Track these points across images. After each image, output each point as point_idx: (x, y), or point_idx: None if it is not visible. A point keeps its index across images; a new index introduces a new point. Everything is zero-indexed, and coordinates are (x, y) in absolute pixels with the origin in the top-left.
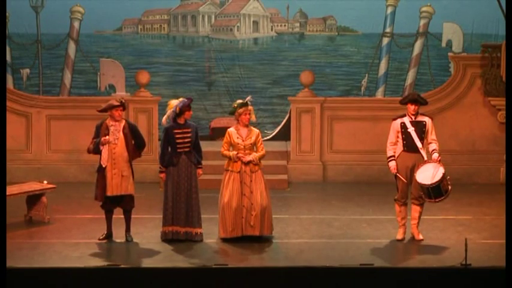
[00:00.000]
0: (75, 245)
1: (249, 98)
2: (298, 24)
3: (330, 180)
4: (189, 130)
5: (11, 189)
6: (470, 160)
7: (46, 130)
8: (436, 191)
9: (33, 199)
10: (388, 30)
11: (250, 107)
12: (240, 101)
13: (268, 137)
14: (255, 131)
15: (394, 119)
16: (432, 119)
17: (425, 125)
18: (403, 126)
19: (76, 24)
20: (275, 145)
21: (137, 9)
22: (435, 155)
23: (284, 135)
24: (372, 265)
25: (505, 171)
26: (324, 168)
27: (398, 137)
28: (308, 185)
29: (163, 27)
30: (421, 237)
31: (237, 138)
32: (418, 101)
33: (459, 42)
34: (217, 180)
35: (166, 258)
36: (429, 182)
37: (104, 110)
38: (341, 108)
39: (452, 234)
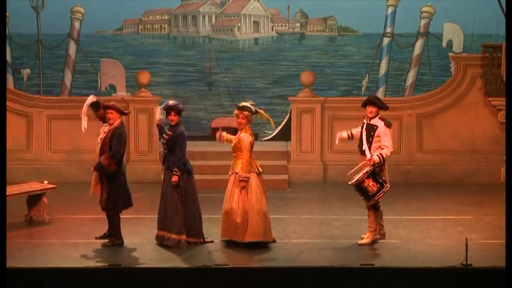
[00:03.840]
0: (75, 245)
1: (249, 102)
2: (298, 25)
3: (331, 180)
4: (170, 134)
5: (11, 189)
6: (470, 160)
7: (46, 130)
8: (361, 192)
9: (33, 199)
10: (388, 30)
11: (245, 112)
12: (243, 103)
13: (268, 137)
14: (241, 135)
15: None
16: (390, 126)
17: (375, 129)
18: (362, 127)
19: (77, 24)
20: (275, 145)
21: (138, 10)
22: (373, 157)
23: (284, 135)
24: (372, 265)
25: (505, 171)
26: (325, 168)
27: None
28: (308, 185)
29: (164, 28)
30: (362, 241)
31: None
32: (373, 103)
33: (460, 43)
34: (217, 180)
35: (166, 258)
36: (350, 183)
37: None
38: (341, 108)
39: (453, 234)
